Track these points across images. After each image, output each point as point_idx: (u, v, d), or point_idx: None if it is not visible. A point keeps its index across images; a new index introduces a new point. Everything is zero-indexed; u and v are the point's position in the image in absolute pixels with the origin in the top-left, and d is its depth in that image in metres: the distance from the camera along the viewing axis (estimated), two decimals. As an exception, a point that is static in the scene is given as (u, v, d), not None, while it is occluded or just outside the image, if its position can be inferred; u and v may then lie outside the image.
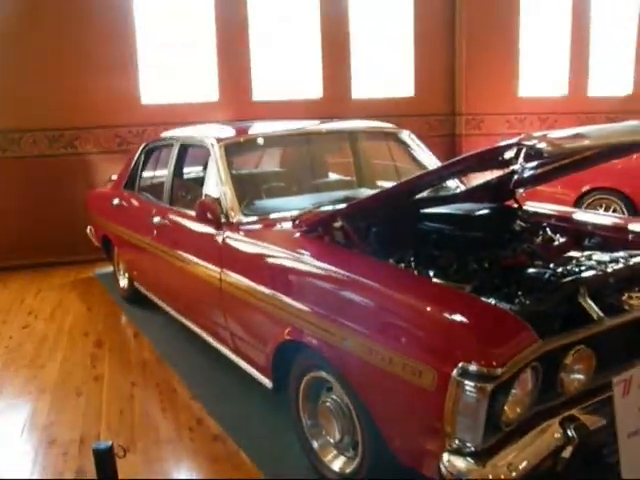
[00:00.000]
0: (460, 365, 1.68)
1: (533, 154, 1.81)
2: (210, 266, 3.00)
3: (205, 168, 4.15)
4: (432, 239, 2.72)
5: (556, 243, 2.83)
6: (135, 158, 4.51)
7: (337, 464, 2.35)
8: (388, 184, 3.64)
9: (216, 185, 3.16)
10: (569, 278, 2.11)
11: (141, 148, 4.47)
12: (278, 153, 3.95)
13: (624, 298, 2.18)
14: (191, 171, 4.14)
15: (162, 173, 4.24)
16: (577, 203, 6.24)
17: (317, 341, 2.22)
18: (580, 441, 1.84)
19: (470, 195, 3.16)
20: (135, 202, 4.30)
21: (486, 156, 2.03)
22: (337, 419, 2.30)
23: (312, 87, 6.87)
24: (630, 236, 2.81)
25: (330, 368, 2.24)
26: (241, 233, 2.90)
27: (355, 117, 4.86)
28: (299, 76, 6.85)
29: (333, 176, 3.95)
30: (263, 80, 6.65)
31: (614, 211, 6.09)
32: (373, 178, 3.86)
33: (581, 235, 2.90)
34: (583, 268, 2.25)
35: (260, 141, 3.52)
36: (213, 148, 3.28)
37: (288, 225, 2.86)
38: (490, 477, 1.70)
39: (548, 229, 2.96)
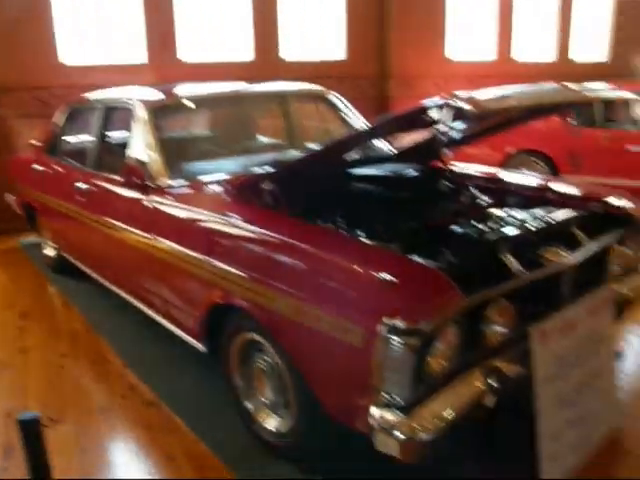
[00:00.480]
0: (386, 321, 1.72)
1: (458, 114, 1.84)
2: (139, 232, 2.93)
3: (131, 131, 4.03)
4: (361, 200, 2.75)
5: (480, 202, 2.92)
6: (57, 121, 4.30)
7: (271, 424, 2.38)
8: (317, 146, 3.65)
9: (143, 149, 3.07)
10: (491, 236, 2.20)
11: (64, 111, 4.26)
12: (207, 116, 3.87)
13: (541, 253, 2.30)
14: (117, 134, 3.99)
15: (87, 137, 4.09)
16: (503, 164, 6.45)
17: (247, 303, 2.23)
18: (502, 389, 1.94)
19: (398, 156, 3.20)
20: (59, 168, 4.12)
21: (412, 116, 2.05)
22: (270, 380, 2.33)
23: (244, 49, 6.72)
24: (549, 194, 2.93)
25: (261, 330, 2.25)
26: (170, 197, 2.83)
27: (287, 79, 4.80)
28: (231, 38, 6.68)
29: (263, 139, 3.91)
30: (194, 41, 6.46)
31: (537, 172, 6.32)
32: (303, 140, 3.84)
33: (504, 194, 3.00)
34: (504, 226, 2.33)
35: (188, 103, 3.41)
36: (139, 110, 3.17)
37: (217, 188, 2.82)
38: (417, 427, 1.76)
39: (473, 189, 3.04)
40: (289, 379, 2.20)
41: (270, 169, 2.57)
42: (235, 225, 2.38)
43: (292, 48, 7.00)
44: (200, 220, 2.57)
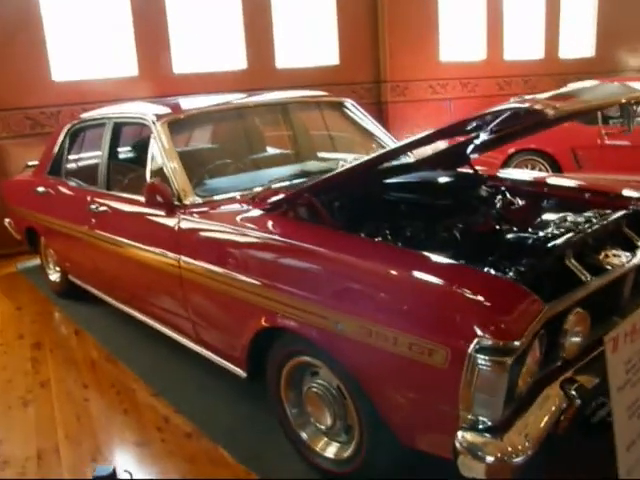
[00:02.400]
0: (476, 341, 1.61)
1: (532, 117, 1.75)
2: (166, 253, 2.77)
3: (135, 148, 3.90)
4: (401, 210, 2.65)
5: (519, 206, 2.84)
6: (59, 141, 4.11)
7: (331, 451, 2.25)
8: (337, 155, 3.55)
9: (162, 166, 2.92)
10: (557, 242, 2.10)
11: (66, 129, 4.07)
12: (222, 128, 3.72)
13: (601, 257, 2.21)
14: (129, 152, 3.84)
15: (90, 155, 3.94)
16: (504, 165, 6.41)
17: (303, 326, 2.09)
18: (582, 402, 1.85)
19: (426, 162, 3.10)
20: (64, 189, 3.94)
21: (473, 122, 1.96)
22: (327, 405, 2.19)
23: (236, 58, 6.57)
24: (587, 195, 2.86)
25: (320, 353, 2.12)
26: (197, 216, 2.69)
27: (281, 87, 4.69)
28: (222, 47, 6.53)
29: (281, 150, 3.78)
30: (185, 52, 6.29)
31: (539, 171, 6.30)
32: (321, 150, 3.73)
33: (539, 197, 2.92)
34: (563, 230, 2.24)
35: (204, 116, 3.28)
36: (155, 125, 3.02)
37: (246, 204, 2.69)
38: (509, 449, 1.66)
39: (508, 193, 2.96)
40: (352, 404, 2.08)
41: (310, 182, 2.45)
42: (282, 242, 2.26)
43: (285, 55, 6.87)
44: (237, 239, 2.44)
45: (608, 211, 2.50)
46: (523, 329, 1.63)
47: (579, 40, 9.04)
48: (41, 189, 4.13)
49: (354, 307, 1.90)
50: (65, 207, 3.85)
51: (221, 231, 2.54)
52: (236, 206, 2.71)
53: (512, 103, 1.77)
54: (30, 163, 4.54)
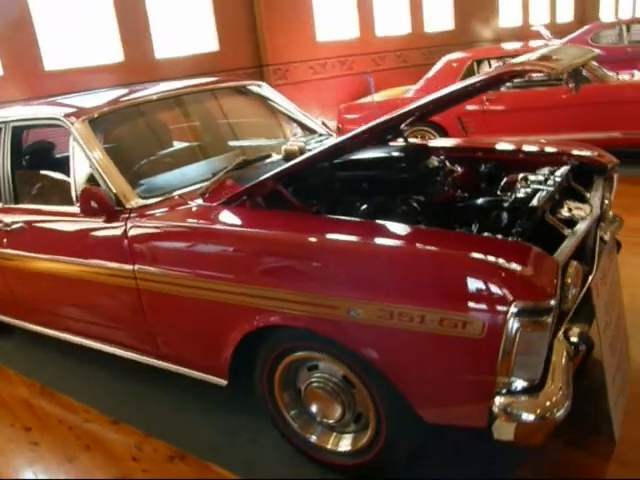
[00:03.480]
0: (514, 304, 1.61)
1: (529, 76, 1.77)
2: (114, 264, 2.49)
3: (36, 152, 3.51)
4: (364, 187, 2.60)
5: (475, 172, 2.90)
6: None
7: (345, 444, 2.16)
8: (267, 141, 3.42)
9: (92, 169, 2.62)
10: (537, 200, 2.17)
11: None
12: (144, 123, 3.39)
13: (564, 211, 2.32)
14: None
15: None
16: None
17: (304, 320, 1.97)
18: (587, 347, 1.93)
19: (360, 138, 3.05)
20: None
21: (475, 87, 1.96)
22: (333, 397, 2.11)
23: (111, 50, 6.09)
24: (521, 155, 2.98)
25: (322, 345, 2.02)
26: (148, 219, 2.44)
27: (161, 79, 4.45)
28: (95, 39, 6.01)
29: (210, 140, 3.54)
30: (55, 46, 5.71)
31: (429, 139, 6.54)
32: (250, 136, 3.57)
33: (477, 163, 3.00)
34: (533, 189, 2.31)
35: (125, 111, 2.97)
36: (74, 125, 2.69)
37: (198, 200, 2.48)
38: (548, 404, 1.69)
39: (447, 161, 3.00)
40: (366, 390, 2.00)
41: (275, 171, 2.30)
42: (266, 235, 2.11)
43: (163, 45, 6.49)
44: (208, 237, 2.25)
45: (554, 168, 2.62)
46: (554, 287, 1.66)
47: (440, 14, 9.50)
48: None
49: (371, 291, 1.82)
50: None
51: (183, 231, 2.33)
52: (188, 203, 2.49)
53: (505, 66, 1.78)
54: None
